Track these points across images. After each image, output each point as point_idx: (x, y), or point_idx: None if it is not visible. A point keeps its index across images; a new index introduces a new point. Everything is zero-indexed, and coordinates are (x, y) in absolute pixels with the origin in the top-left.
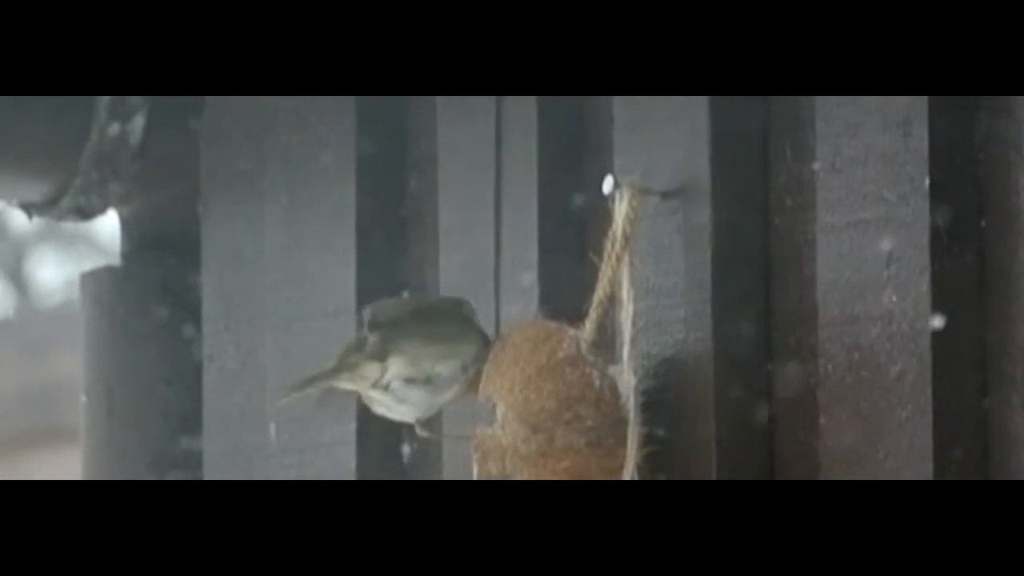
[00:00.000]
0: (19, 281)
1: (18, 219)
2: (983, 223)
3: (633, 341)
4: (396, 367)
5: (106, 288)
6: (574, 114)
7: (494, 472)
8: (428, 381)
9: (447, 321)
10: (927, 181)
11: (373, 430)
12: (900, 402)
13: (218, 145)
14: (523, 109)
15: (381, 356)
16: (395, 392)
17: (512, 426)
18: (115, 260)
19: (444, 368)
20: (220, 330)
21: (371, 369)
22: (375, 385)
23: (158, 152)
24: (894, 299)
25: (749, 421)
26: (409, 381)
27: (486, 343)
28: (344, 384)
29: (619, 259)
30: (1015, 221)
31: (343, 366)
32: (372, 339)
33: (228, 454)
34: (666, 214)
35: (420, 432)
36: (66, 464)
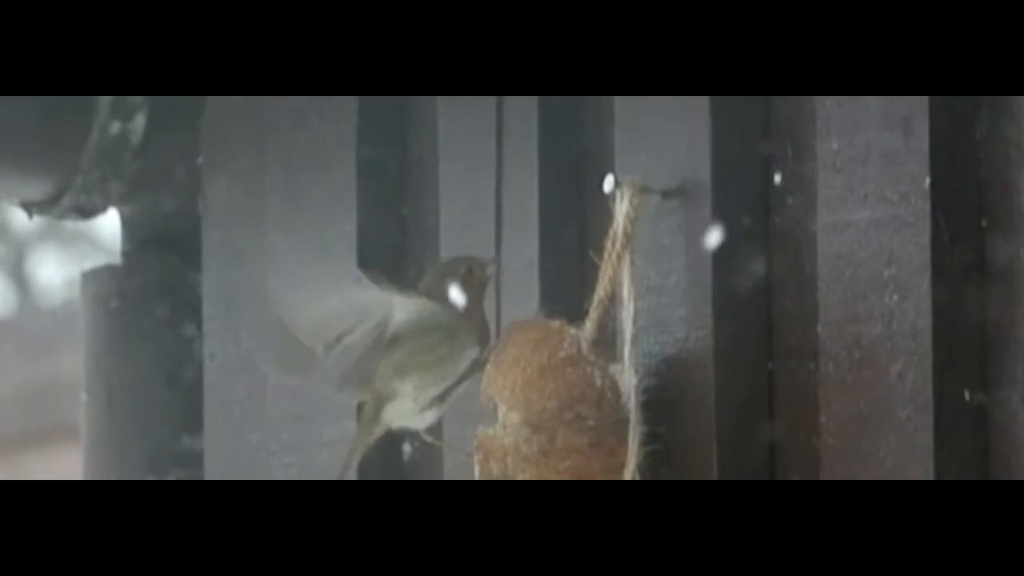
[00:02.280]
0: (20, 280)
1: (19, 218)
2: (984, 222)
3: (634, 340)
4: (408, 394)
5: (107, 287)
6: (574, 114)
7: (496, 472)
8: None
9: (429, 338)
10: (928, 180)
11: None
12: (901, 401)
13: (219, 144)
14: (524, 109)
15: (400, 374)
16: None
17: (514, 426)
18: (116, 259)
19: (458, 368)
20: (221, 329)
21: (400, 388)
22: (417, 404)
23: (159, 151)
24: (895, 298)
25: (750, 420)
26: (438, 398)
27: (464, 314)
28: (383, 428)
29: (620, 258)
30: (1016, 220)
31: (369, 421)
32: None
33: (229, 453)
34: (667, 213)
35: (426, 438)
36: (66, 463)
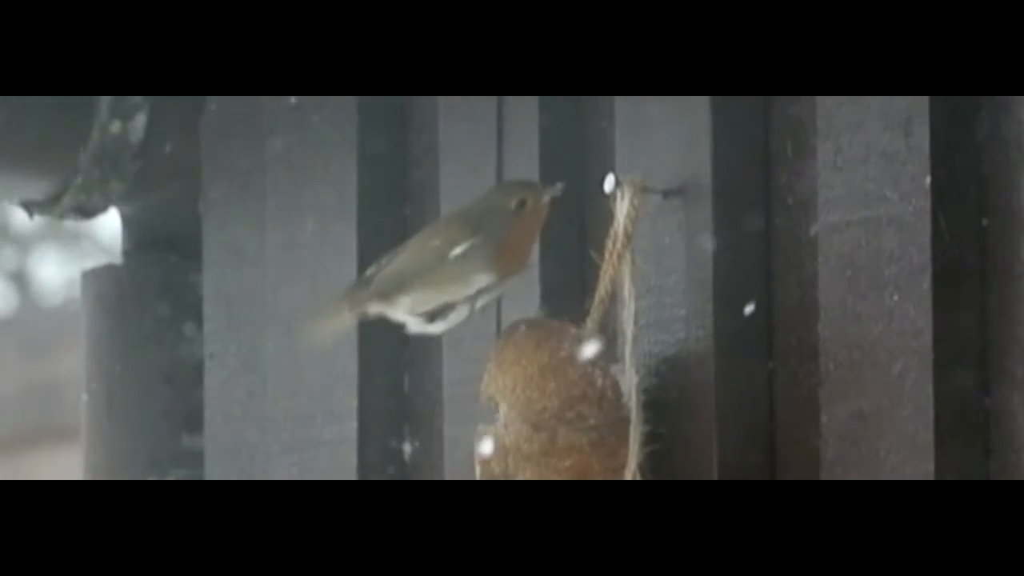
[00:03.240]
0: (20, 280)
1: (20, 218)
2: (984, 222)
3: (635, 340)
4: (406, 306)
5: (107, 286)
6: (575, 113)
7: (497, 471)
8: (442, 311)
9: (448, 271)
10: (928, 180)
11: (374, 429)
12: (901, 401)
13: (219, 143)
14: (524, 108)
15: (386, 297)
16: (413, 323)
17: (515, 425)
18: (116, 258)
19: (458, 294)
20: (221, 328)
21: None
22: (411, 315)
23: (159, 150)
24: (895, 298)
25: (750, 420)
26: (427, 316)
27: (500, 246)
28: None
29: (620, 258)
30: (1016, 220)
31: (364, 300)
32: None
33: (229, 453)
34: (667, 213)
35: (426, 327)
36: (67, 463)
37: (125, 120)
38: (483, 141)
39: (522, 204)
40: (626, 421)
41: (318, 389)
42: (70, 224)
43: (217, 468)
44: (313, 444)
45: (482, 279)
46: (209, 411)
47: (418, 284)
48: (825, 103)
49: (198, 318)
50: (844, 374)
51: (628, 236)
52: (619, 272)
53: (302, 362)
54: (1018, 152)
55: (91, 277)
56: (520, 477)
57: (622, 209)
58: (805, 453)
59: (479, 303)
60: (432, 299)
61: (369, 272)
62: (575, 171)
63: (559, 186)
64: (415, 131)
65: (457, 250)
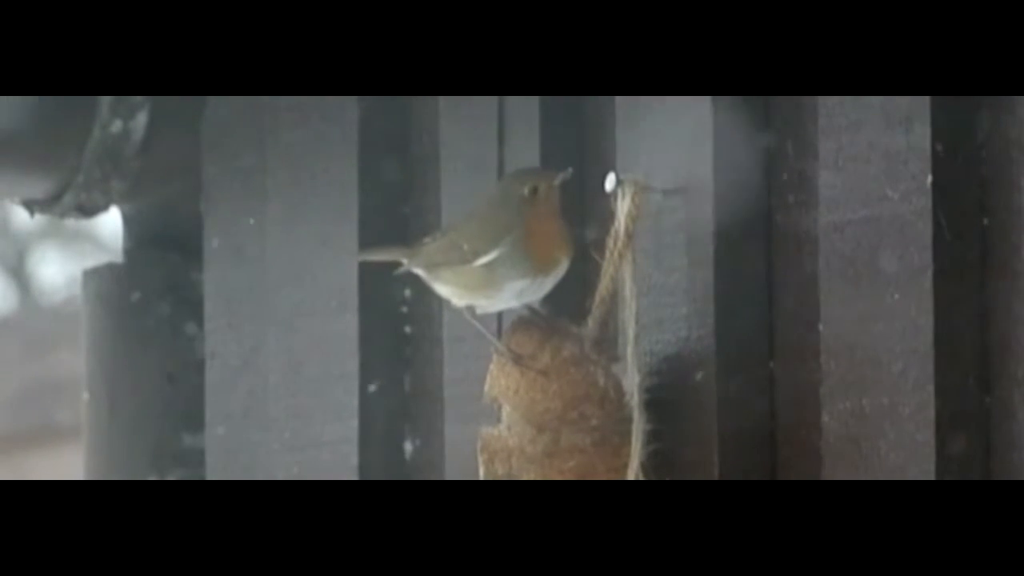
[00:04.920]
0: (21, 278)
1: (20, 216)
2: (985, 221)
3: (636, 339)
4: (446, 292)
5: (108, 285)
6: (576, 113)
7: (501, 473)
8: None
9: (479, 277)
10: (929, 179)
11: (376, 428)
12: (902, 400)
13: (220, 142)
14: (525, 107)
15: (428, 272)
16: (455, 300)
17: (518, 427)
18: (117, 257)
19: (497, 298)
20: (222, 327)
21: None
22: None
23: (160, 149)
24: (896, 296)
25: (752, 418)
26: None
27: (526, 236)
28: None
29: (621, 257)
30: (1017, 219)
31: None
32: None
33: (230, 451)
34: (668, 212)
35: (469, 319)
36: (67, 462)
37: (126, 119)
38: (484, 141)
39: (535, 191)
40: (628, 420)
41: (319, 389)
42: (71, 223)
43: (218, 467)
44: (314, 443)
45: (516, 285)
46: (210, 411)
47: (451, 278)
48: (826, 102)
49: (199, 317)
50: (844, 373)
51: (629, 235)
52: (620, 271)
53: (302, 361)
54: (1018, 152)
55: (92, 276)
56: (524, 478)
57: (623, 208)
58: (805, 453)
59: (524, 299)
60: (469, 297)
61: (426, 240)
62: (575, 171)
63: (569, 170)
64: (415, 131)
65: (483, 260)
